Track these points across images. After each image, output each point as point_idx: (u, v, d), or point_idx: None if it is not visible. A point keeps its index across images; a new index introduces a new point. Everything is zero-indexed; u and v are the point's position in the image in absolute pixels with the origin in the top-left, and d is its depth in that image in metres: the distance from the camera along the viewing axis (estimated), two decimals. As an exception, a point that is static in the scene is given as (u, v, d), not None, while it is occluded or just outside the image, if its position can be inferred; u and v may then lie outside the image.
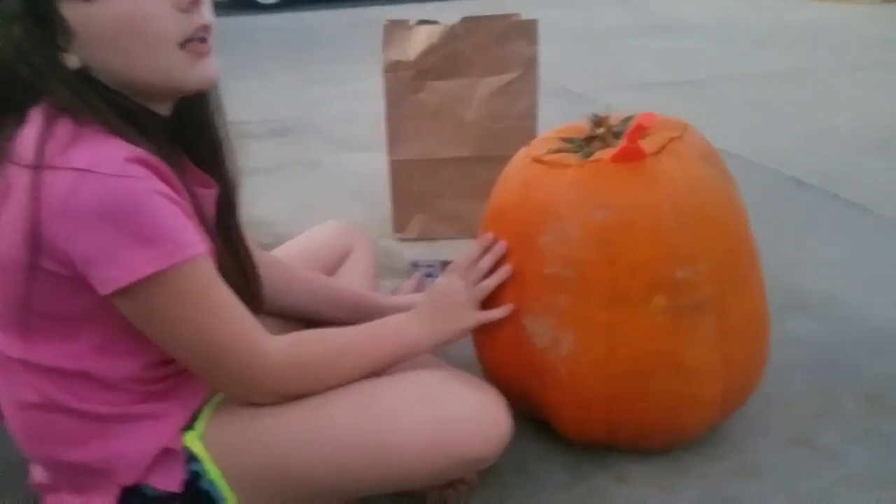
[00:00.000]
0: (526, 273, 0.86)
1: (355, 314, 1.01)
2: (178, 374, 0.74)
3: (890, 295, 1.35)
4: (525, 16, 1.62)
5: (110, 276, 0.61)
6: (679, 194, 0.81)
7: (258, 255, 0.90)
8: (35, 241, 0.62)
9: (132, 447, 0.72)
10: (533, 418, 0.96)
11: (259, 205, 1.85)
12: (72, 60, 0.65)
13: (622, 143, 0.82)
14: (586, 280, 0.82)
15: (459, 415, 0.76)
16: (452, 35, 1.59)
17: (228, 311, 0.69)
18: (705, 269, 0.81)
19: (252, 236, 0.89)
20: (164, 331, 0.67)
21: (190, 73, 0.69)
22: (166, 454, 0.73)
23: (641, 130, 0.81)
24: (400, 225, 1.73)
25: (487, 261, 0.89)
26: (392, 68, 1.61)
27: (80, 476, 0.73)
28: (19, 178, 0.62)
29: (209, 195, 0.77)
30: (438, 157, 1.67)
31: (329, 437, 0.75)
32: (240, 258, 0.83)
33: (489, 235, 0.91)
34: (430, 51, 1.59)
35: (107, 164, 0.60)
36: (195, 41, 0.68)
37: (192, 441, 0.73)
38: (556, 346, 0.84)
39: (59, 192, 0.60)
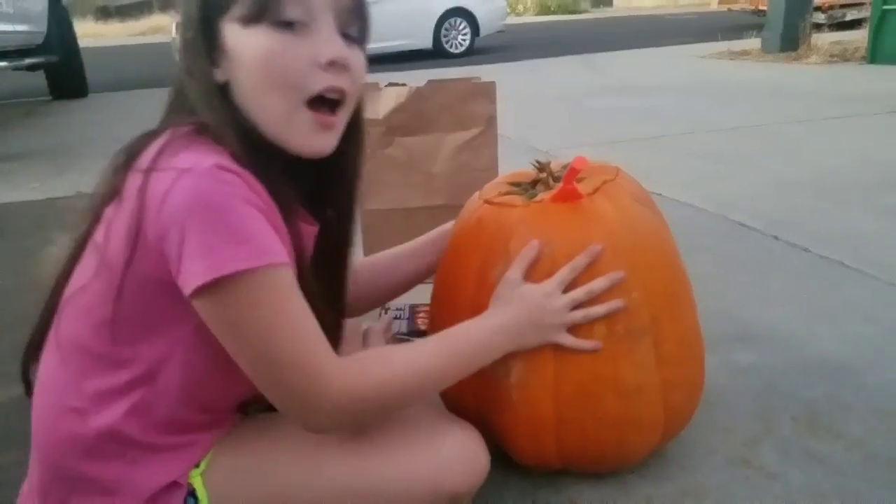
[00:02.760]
0: (479, 307, 0.93)
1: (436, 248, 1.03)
2: (216, 412, 0.77)
3: (827, 326, 1.45)
4: (499, 79, 1.75)
5: (197, 270, 0.62)
6: (613, 230, 0.90)
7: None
8: (135, 238, 0.65)
9: (146, 475, 0.73)
10: (491, 446, 1.02)
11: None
12: (218, 74, 0.72)
13: (560, 185, 0.92)
14: (533, 309, 0.89)
15: (449, 453, 0.80)
16: (419, 96, 1.71)
17: (302, 325, 0.68)
18: (640, 298, 0.89)
19: None
20: (237, 335, 0.66)
21: (304, 136, 0.73)
22: (172, 487, 0.74)
23: (575, 172, 0.90)
24: (371, 273, 1.81)
25: (600, 285, 0.85)
26: (362, 126, 1.72)
27: (84, 489, 0.73)
28: (133, 184, 0.67)
29: (310, 232, 0.81)
30: (408, 206, 1.76)
31: (324, 480, 0.77)
32: (335, 298, 0.86)
33: (597, 246, 0.86)
34: (398, 109, 1.71)
35: (202, 166, 0.64)
36: (325, 111, 0.72)
37: (195, 477, 0.75)
38: (508, 373, 0.91)
39: (160, 190, 0.64)
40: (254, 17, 0.69)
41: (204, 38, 0.71)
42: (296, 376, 0.68)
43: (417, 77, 1.87)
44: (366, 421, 0.77)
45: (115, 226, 0.68)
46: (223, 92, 0.72)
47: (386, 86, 1.76)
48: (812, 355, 1.34)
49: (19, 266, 2.07)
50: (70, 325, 0.73)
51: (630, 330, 0.89)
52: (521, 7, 20.62)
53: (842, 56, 5.99)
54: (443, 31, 8.64)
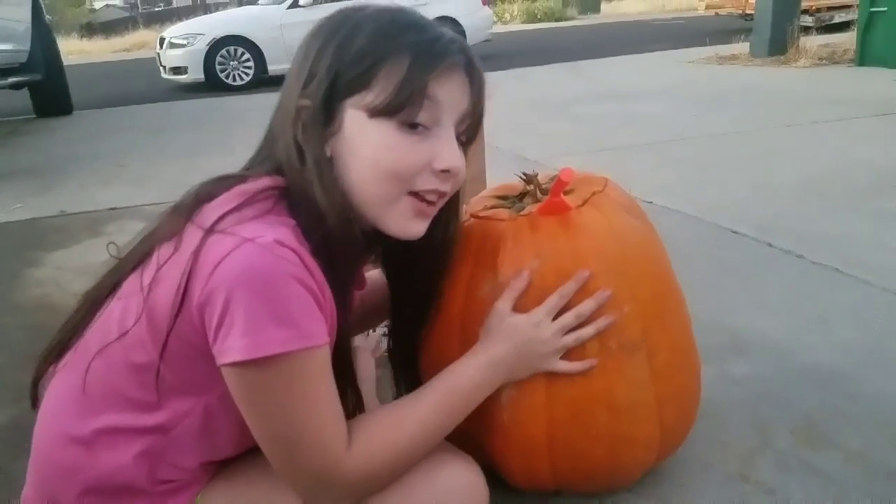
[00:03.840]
0: (467, 323, 0.91)
1: None
2: (220, 463, 0.77)
3: (821, 333, 1.43)
4: (486, 88, 1.72)
5: (236, 346, 0.62)
6: (603, 242, 0.88)
7: None
8: (182, 298, 0.65)
9: None
10: (485, 470, 0.99)
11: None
12: (327, 150, 0.72)
13: (548, 197, 0.89)
14: (523, 326, 0.86)
15: (447, 486, 0.79)
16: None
17: (326, 409, 0.69)
18: (631, 312, 0.87)
19: None
20: (260, 410, 0.67)
21: (400, 222, 0.74)
22: None
23: (562, 184, 0.87)
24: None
25: (589, 307, 0.83)
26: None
27: None
28: (191, 237, 0.66)
29: (356, 295, 0.82)
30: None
31: None
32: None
33: (585, 272, 0.84)
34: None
35: (264, 239, 0.63)
36: (425, 201, 0.74)
37: None
38: (498, 394, 0.87)
39: (216, 254, 0.63)
40: (385, 112, 0.70)
41: (325, 112, 0.71)
42: (312, 460, 0.68)
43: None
44: (377, 492, 0.76)
45: (164, 274, 0.68)
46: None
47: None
48: (808, 364, 1.32)
49: (1, 289, 2.03)
50: (104, 360, 0.72)
51: (622, 345, 0.86)
52: (507, 15, 20.69)
53: (830, 59, 6.02)
54: (430, 41, 8.63)
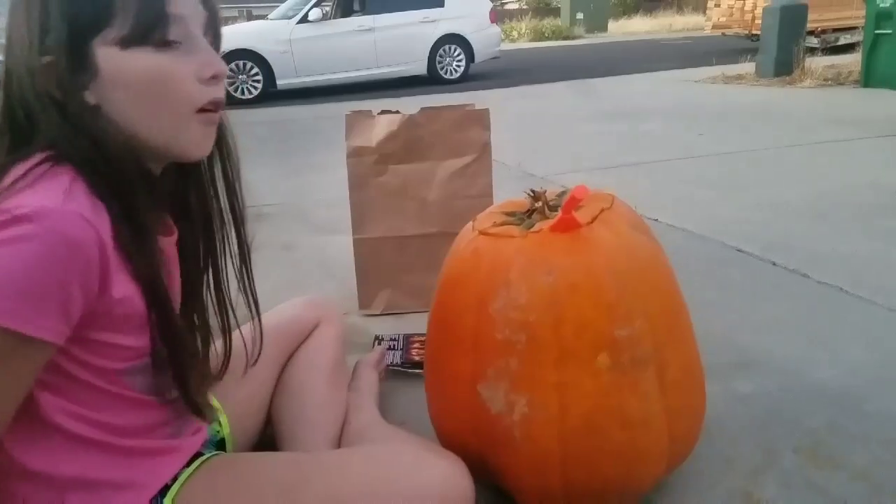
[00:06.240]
0: (480, 340, 0.92)
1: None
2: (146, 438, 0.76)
3: (827, 352, 1.43)
4: (494, 104, 1.75)
5: None
6: (614, 258, 0.89)
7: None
8: None
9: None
10: (492, 487, 0.99)
11: (232, 287, 1.89)
12: (90, 97, 0.70)
13: (559, 214, 0.90)
14: (536, 342, 0.87)
15: (429, 484, 0.80)
16: (412, 123, 1.71)
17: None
18: (642, 327, 0.88)
19: None
20: None
21: (199, 143, 0.75)
22: None
23: (575, 202, 0.89)
24: (365, 301, 1.79)
25: None
26: (355, 153, 1.72)
27: None
28: None
29: (169, 242, 0.80)
30: (402, 234, 1.75)
31: None
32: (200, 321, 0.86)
33: None
34: (390, 137, 1.70)
35: (39, 215, 0.60)
36: (208, 111, 0.74)
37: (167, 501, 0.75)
38: (511, 410, 0.89)
39: None
40: (136, 40, 0.69)
41: (73, 61, 0.68)
42: None
43: (412, 104, 1.87)
44: None
45: None
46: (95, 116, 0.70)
47: (379, 113, 1.76)
48: (813, 383, 1.32)
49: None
50: None
51: (634, 359, 0.87)
52: (515, 33, 20.86)
53: (835, 80, 6.05)
54: (438, 58, 8.72)
